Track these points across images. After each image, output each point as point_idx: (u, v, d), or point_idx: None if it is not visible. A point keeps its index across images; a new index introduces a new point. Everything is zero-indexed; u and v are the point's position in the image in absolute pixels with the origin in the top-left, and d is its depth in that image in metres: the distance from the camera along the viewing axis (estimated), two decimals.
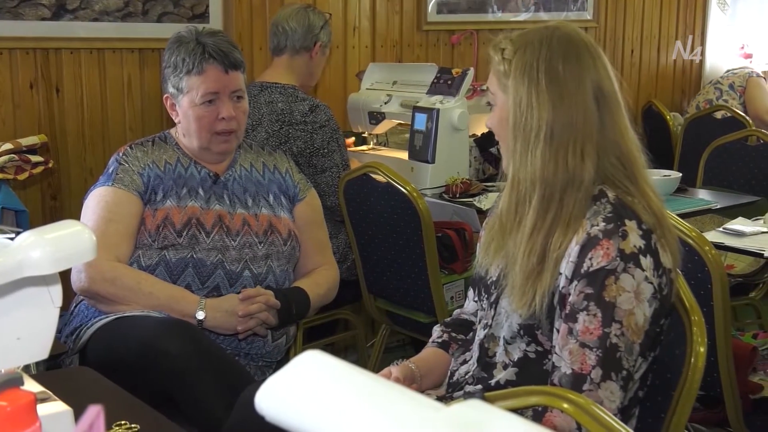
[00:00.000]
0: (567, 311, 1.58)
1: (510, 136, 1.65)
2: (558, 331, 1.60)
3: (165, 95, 2.43)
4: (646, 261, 1.55)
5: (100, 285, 2.24)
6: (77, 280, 2.26)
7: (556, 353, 1.59)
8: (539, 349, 1.65)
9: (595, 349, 1.54)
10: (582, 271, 1.56)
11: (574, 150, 1.60)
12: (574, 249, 1.58)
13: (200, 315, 2.24)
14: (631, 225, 1.56)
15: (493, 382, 1.69)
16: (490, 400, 1.33)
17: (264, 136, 3.06)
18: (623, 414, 1.57)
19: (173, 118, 2.46)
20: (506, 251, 1.68)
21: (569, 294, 1.57)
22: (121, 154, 2.41)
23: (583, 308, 1.55)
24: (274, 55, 3.30)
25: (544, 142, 1.61)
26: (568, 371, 1.55)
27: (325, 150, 3.12)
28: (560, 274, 1.59)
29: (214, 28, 2.50)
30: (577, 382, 1.54)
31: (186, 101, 2.38)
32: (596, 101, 1.62)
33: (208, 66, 2.36)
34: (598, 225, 1.57)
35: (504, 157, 1.73)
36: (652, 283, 1.55)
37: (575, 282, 1.57)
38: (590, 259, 1.55)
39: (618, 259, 1.54)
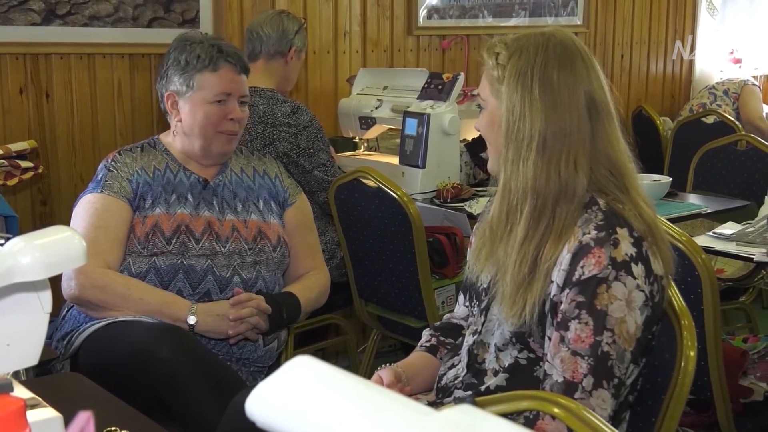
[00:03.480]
0: (559, 319, 1.57)
1: (502, 143, 1.64)
2: (549, 338, 1.60)
3: (167, 93, 2.43)
4: (638, 269, 1.55)
5: (91, 292, 2.23)
6: (67, 288, 2.25)
7: (547, 361, 1.59)
8: (531, 355, 1.65)
9: (586, 358, 1.54)
10: (574, 279, 1.56)
11: (567, 160, 1.59)
12: (565, 257, 1.57)
13: (192, 319, 2.24)
14: (622, 233, 1.56)
15: (483, 387, 1.69)
16: (481, 405, 1.33)
17: (248, 139, 3.06)
18: (614, 419, 1.57)
19: (173, 117, 2.44)
20: (496, 259, 1.68)
21: (561, 302, 1.57)
22: (110, 161, 2.41)
23: (575, 316, 1.55)
24: (250, 61, 3.30)
25: (536, 151, 1.59)
26: (560, 379, 1.55)
27: (311, 150, 3.13)
28: (551, 282, 1.59)
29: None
30: (568, 390, 1.54)
31: (197, 98, 2.38)
32: (588, 111, 1.61)
33: (224, 65, 2.39)
34: (589, 233, 1.57)
35: (492, 159, 1.73)
36: (643, 290, 1.55)
37: (567, 290, 1.56)
38: (582, 267, 1.55)
39: (609, 267, 1.54)
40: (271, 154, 3.02)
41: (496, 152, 1.69)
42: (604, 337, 1.53)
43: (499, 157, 1.67)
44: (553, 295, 1.58)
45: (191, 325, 2.24)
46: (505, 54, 1.64)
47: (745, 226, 2.86)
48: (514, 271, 1.60)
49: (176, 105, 2.42)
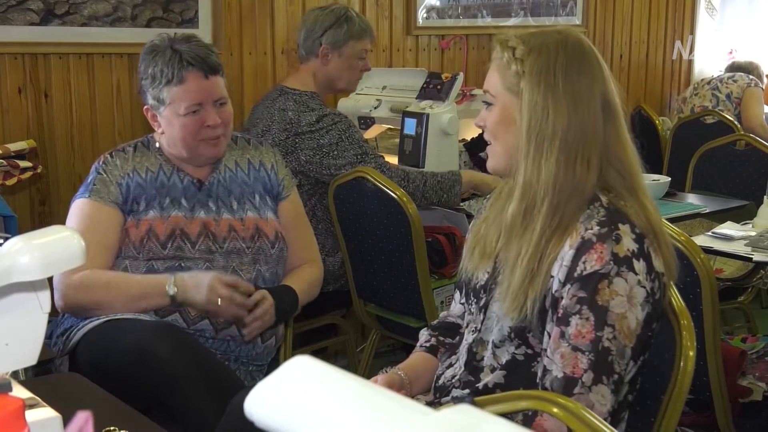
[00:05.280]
0: (559, 315, 1.57)
1: (522, 139, 1.62)
2: (549, 334, 1.60)
3: (145, 107, 2.41)
4: (639, 265, 1.55)
5: (75, 296, 2.24)
6: (57, 301, 2.26)
7: (547, 356, 1.59)
8: (528, 351, 1.65)
9: (587, 353, 1.54)
10: (575, 274, 1.56)
11: (582, 159, 1.60)
12: (567, 252, 1.57)
13: (171, 290, 2.23)
14: (624, 229, 1.56)
15: (480, 385, 1.68)
16: (480, 405, 1.33)
17: (272, 144, 2.99)
18: (613, 418, 1.57)
19: (155, 129, 2.42)
20: (507, 255, 1.66)
21: (562, 297, 1.57)
22: (100, 163, 2.39)
23: (576, 312, 1.55)
24: (300, 64, 3.27)
25: (558, 149, 1.59)
26: (560, 375, 1.55)
27: (335, 150, 3.03)
28: (552, 277, 1.59)
29: (187, 32, 2.43)
30: (568, 385, 1.54)
31: (169, 112, 2.35)
32: (603, 112, 1.62)
33: (188, 74, 2.32)
34: (592, 229, 1.57)
35: (498, 157, 1.70)
36: (644, 287, 1.55)
37: (568, 285, 1.56)
38: (584, 262, 1.55)
39: (611, 263, 1.54)
40: (291, 164, 2.95)
41: (506, 149, 1.67)
42: (604, 332, 1.53)
43: (510, 153, 1.66)
44: (554, 291, 1.58)
45: (171, 296, 2.23)
46: (522, 49, 1.63)
47: (745, 225, 2.86)
48: (526, 267, 1.60)
49: (155, 118, 2.40)
